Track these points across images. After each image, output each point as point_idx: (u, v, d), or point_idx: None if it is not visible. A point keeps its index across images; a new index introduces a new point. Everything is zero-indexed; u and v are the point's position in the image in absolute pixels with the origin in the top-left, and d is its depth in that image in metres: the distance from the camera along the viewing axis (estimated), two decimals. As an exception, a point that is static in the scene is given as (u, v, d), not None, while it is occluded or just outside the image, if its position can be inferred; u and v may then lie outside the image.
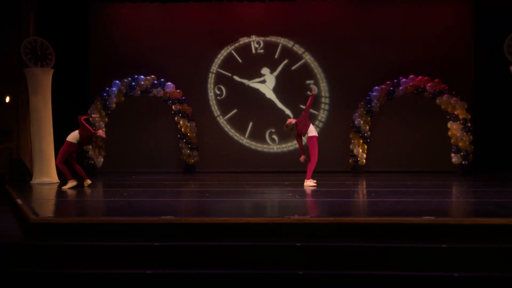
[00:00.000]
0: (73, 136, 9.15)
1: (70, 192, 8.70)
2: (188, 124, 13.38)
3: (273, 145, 13.95)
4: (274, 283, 4.56)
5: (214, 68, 14.01)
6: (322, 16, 13.79)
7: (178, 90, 13.36)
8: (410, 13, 13.54)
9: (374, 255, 4.75)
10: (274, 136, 13.90)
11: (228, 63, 13.96)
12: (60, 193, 8.71)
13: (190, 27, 13.90)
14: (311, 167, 9.29)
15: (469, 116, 12.36)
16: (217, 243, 4.96)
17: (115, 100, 12.88)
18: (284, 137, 13.76)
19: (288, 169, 12.98)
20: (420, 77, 12.67)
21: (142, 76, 13.09)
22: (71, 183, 9.14)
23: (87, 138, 9.17)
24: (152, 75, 13.23)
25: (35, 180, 10.50)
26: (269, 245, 4.90)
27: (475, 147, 12.48)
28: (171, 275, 4.64)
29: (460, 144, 12.28)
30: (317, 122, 13.64)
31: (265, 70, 13.88)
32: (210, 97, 14.04)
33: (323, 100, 13.78)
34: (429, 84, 12.56)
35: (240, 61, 13.95)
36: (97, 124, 12.27)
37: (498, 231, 5.08)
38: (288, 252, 4.82)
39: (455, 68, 13.24)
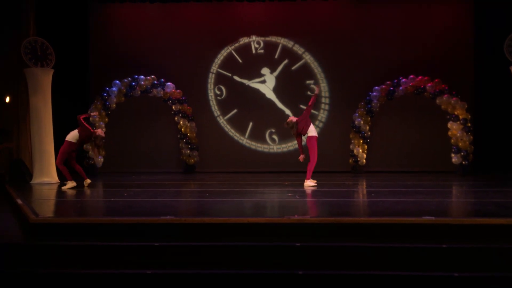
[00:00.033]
0: (72, 136, 9.15)
1: (70, 192, 8.70)
2: (188, 124, 13.38)
3: (273, 145, 13.95)
4: (274, 283, 4.56)
5: (214, 68, 14.01)
6: (322, 16, 13.79)
7: (178, 90, 13.36)
8: (410, 13, 13.55)
9: (374, 255, 4.75)
10: (274, 136, 13.90)
11: (228, 63, 13.96)
12: (60, 193, 8.71)
13: (190, 27, 13.90)
14: (310, 167, 9.30)
15: (469, 116, 12.36)
16: (217, 243, 4.96)
17: (115, 100, 12.89)
18: (284, 137, 13.77)
19: (288, 169, 12.98)
20: (420, 77, 12.67)
21: (142, 76, 13.10)
22: (71, 184, 9.14)
23: (86, 137, 9.17)
24: (152, 75, 13.23)
25: (35, 180, 10.50)
26: (269, 245, 4.90)
27: (475, 147, 12.48)
28: (171, 275, 4.63)
29: (460, 144, 12.28)
30: (317, 122, 13.64)
31: (265, 70, 13.88)
32: (210, 97, 14.04)
33: (323, 100, 13.78)
34: (429, 84, 12.56)
35: (240, 61, 13.95)
36: (97, 124, 12.28)
37: (498, 231, 5.09)
38: (288, 252, 4.82)
39: (455, 68, 13.24)
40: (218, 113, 14.04)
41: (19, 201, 6.90)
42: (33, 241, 5.24)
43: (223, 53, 13.99)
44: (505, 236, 5.03)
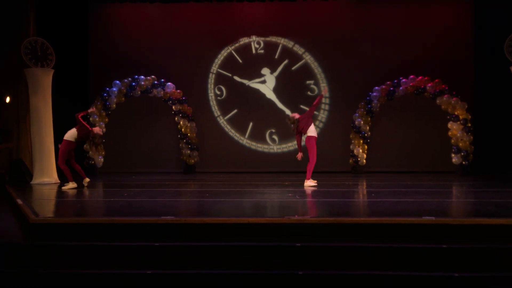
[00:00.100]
0: (71, 134, 9.16)
1: (70, 192, 8.70)
2: (188, 124, 13.38)
3: (273, 146, 13.95)
4: (274, 283, 4.56)
5: (214, 68, 14.01)
6: (322, 16, 13.79)
7: (178, 91, 13.36)
8: (410, 13, 13.54)
9: (374, 255, 4.75)
10: (274, 137, 13.90)
11: (228, 63, 13.96)
12: (60, 193, 8.71)
13: (190, 27, 13.90)
14: (310, 167, 9.32)
15: (469, 117, 12.35)
16: (217, 243, 4.96)
17: (115, 100, 12.89)
18: (284, 137, 13.77)
19: (288, 169, 12.98)
20: (420, 77, 12.66)
21: (142, 76, 13.09)
22: (72, 185, 9.14)
23: (84, 135, 9.18)
24: (152, 75, 13.23)
25: (35, 180, 10.50)
26: (269, 245, 4.91)
27: (475, 147, 12.48)
28: (171, 275, 4.64)
29: (460, 144, 12.28)
30: (317, 122, 13.63)
31: (265, 71, 13.87)
32: (210, 97, 14.04)
33: (323, 100, 13.77)
34: (429, 85, 12.56)
35: (240, 61, 13.95)
36: (97, 124, 12.26)
37: (498, 231, 5.09)
38: (288, 252, 4.82)
39: (455, 68, 13.23)
40: (218, 113, 14.03)
41: (19, 201, 6.90)
42: (33, 241, 5.24)
43: (223, 53, 13.99)
44: (505, 236, 5.04)
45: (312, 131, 9.36)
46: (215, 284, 4.59)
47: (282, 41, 13.92)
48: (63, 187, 9.20)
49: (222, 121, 14.02)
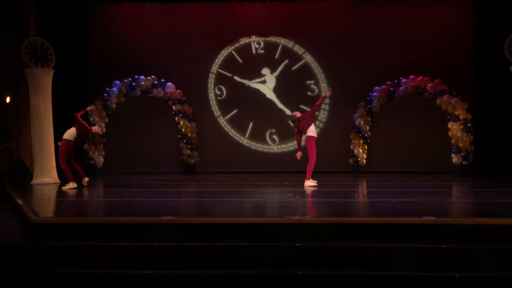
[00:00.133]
0: (70, 134, 9.16)
1: (71, 192, 8.70)
2: (189, 125, 13.38)
3: (273, 146, 13.95)
4: (274, 283, 4.56)
5: (215, 68, 14.01)
6: (322, 16, 13.79)
7: (178, 91, 13.36)
8: (410, 13, 13.54)
9: (374, 255, 4.75)
10: (275, 137, 13.90)
11: (228, 63, 13.96)
12: (60, 194, 8.71)
13: (190, 27, 13.90)
14: (310, 167, 9.33)
15: (470, 117, 12.35)
16: (217, 243, 4.96)
17: (115, 100, 12.89)
18: (284, 137, 13.77)
19: (288, 169, 12.99)
20: (420, 78, 12.67)
21: (142, 77, 13.10)
22: (72, 185, 9.13)
23: (83, 134, 9.17)
24: (153, 75, 13.23)
25: (36, 181, 10.50)
26: (269, 245, 4.90)
27: (475, 147, 12.48)
28: (171, 275, 4.63)
29: (461, 144, 12.28)
30: (317, 122, 13.63)
31: (265, 71, 13.87)
32: (210, 98, 14.04)
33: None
34: (429, 85, 12.56)
35: (240, 61, 13.95)
36: (97, 124, 12.26)
37: (498, 231, 5.09)
38: (288, 252, 4.82)
39: (455, 68, 13.24)
40: (219, 113, 14.03)
41: (19, 201, 6.90)
42: (33, 241, 5.24)
43: (223, 53, 13.99)
44: (505, 236, 5.04)
45: (312, 131, 9.37)
46: (215, 284, 4.58)
47: (282, 41, 13.92)
48: (63, 187, 9.20)
49: (222, 121, 14.02)
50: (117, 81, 12.96)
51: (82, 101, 13.18)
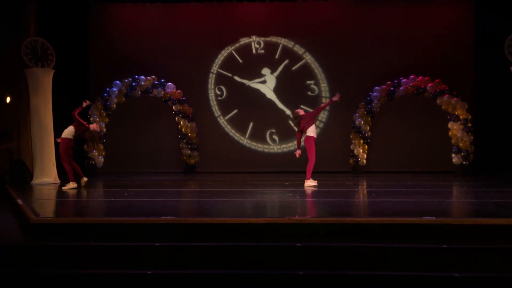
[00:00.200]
0: (68, 132, 9.16)
1: (71, 192, 8.70)
2: (189, 125, 13.38)
3: (273, 146, 13.95)
4: (274, 283, 4.56)
5: (215, 68, 14.01)
6: (322, 16, 13.79)
7: (178, 91, 13.36)
8: (410, 13, 13.54)
9: (374, 255, 4.75)
10: (275, 137, 13.90)
11: (228, 63, 13.96)
12: (60, 194, 8.71)
13: (190, 27, 13.91)
14: (309, 167, 9.35)
15: (470, 117, 12.35)
16: (217, 243, 4.96)
17: (115, 100, 12.89)
18: (284, 137, 13.77)
19: (288, 169, 12.99)
20: (420, 78, 12.67)
21: (142, 77, 13.10)
22: (72, 185, 9.13)
23: (82, 132, 9.18)
24: (153, 75, 13.23)
25: (36, 181, 10.50)
26: (269, 245, 4.90)
27: (475, 147, 12.48)
28: (171, 275, 4.63)
29: (461, 144, 12.28)
30: (317, 123, 13.62)
31: (265, 71, 13.88)
32: (210, 98, 14.04)
33: (323, 100, 13.76)
34: (429, 85, 12.56)
35: (240, 61, 13.95)
36: (96, 124, 12.26)
37: (498, 231, 5.09)
38: (289, 252, 4.82)
39: (455, 68, 13.24)
40: (219, 113, 14.04)
41: (20, 201, 6.90)
42: (33, 241, 5.24)
43: (224, 53, 13.99)
44: (505, 236, 5.03)
45: (311, 131, 9.38)
46: (215, 284, 4.58)
47: (282, 41, 13.92)
48: (63, 187, 9.20)
49: (222, 121, 14.02)
50: (117, 81, 12.96)
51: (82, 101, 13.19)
